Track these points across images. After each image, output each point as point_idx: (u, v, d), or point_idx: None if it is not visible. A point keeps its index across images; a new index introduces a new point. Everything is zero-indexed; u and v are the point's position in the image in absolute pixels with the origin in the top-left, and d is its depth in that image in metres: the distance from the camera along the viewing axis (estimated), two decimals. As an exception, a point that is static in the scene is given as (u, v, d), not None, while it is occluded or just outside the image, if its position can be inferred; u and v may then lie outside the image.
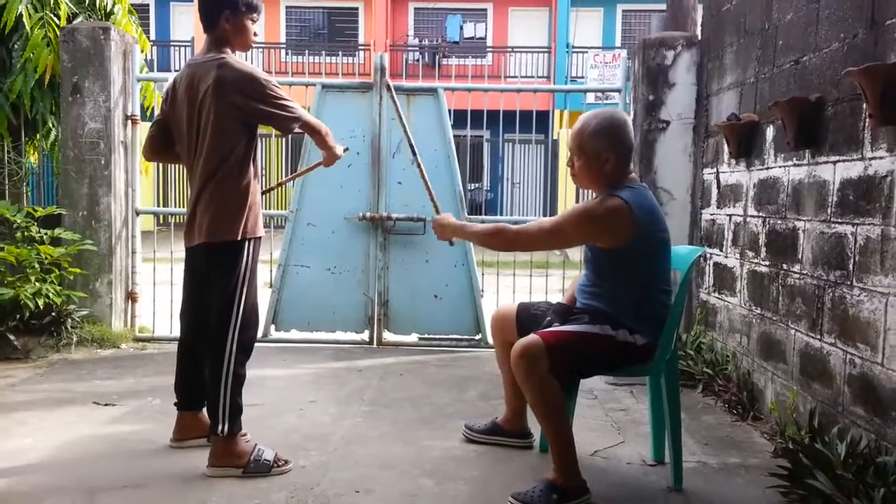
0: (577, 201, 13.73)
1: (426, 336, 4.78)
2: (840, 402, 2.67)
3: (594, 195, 2.56)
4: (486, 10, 18.62)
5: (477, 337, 4.72)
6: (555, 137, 14.21)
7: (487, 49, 18.09)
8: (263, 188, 2.85)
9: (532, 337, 2.38)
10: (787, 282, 3.13)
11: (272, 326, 4.73)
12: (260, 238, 2.68)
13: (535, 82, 15.30)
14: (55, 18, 4.58)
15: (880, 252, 2.47)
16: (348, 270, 4.71)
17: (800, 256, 3.03)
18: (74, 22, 4.69)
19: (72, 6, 4.74)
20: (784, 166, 3.21)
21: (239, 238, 2.58)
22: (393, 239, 4.71)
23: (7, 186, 4.77)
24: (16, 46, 4.57)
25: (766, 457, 2.87)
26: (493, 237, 2.59)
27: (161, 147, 2.83)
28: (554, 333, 2.41)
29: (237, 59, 2.63)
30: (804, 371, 2.96)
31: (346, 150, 2.94)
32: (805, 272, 2.98)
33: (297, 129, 2.71)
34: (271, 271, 4.79)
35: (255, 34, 2.71)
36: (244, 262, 2.60)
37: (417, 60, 17.22)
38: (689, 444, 2.95)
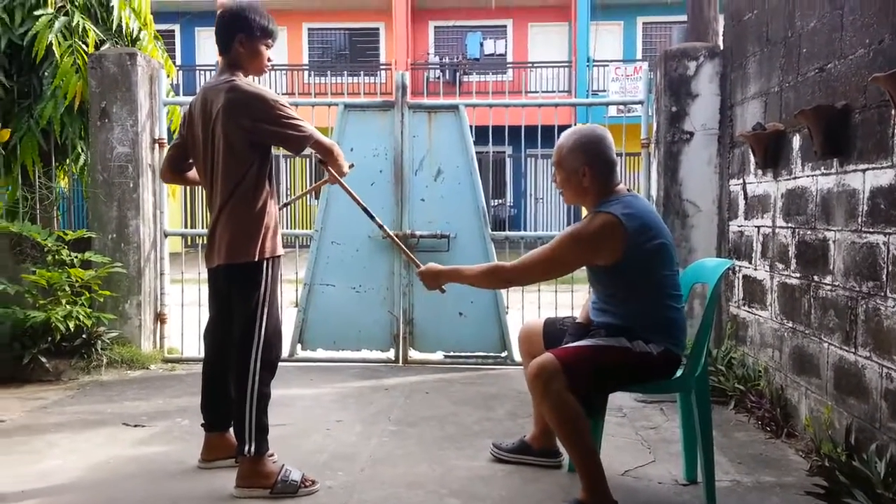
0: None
1: (452, 354, 4.76)
2: (877, 418, 2.60)
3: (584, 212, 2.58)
4: (505, 26, 18.70)
5: (503, 354, 4.69)
6: (577, 151, 14.16)
7: (508, 65, 18.15)
8: (280, 205, 2.85)
9: (546, 356, 2.36)
10: (819, 294, 3.07)
11: (298, 345, 4.75)
12: (279, 257, 2.69)
13: (556, 97, 15.32)
14: (83, 46, 4.68)
15: (915, 262, 2.40)
16: (373, 288, 4.71)
17: (831, 267, 2.97)
18: (102, 49, 4.79)
19: (99, 33, 4.85)
20: (812, 175, 3.16)
21: (256, 259, 2.59)
22: (417, 256, 4.69)
23: (38, 211, 4.87)
24: (46, 74, 4.68)
25: (801, 475, 2.80)
26: (489, 276, 2.58)
27: (178, 169, 2.86)
28: (567, 350, 2.40)
29: (248, 81, 2.65)
30: (839, 386, 2.89)
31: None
32: (837, 283, 2.92)
33: (307, 149, 2.70)
34: (297, 290, 4.81)
35: (269, 59, 2.73)
36: (264, 283, 2.61)
37: (438, 78, 17.32)
38: (722, 463, 2.88)
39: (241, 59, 2.67)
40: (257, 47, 2.67)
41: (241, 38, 2.64)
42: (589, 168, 2.48)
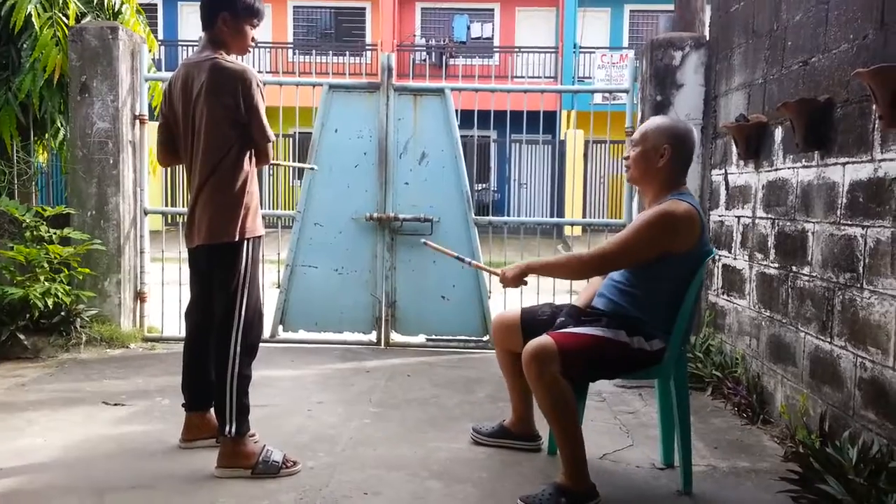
0: (585, 202, 13.74)
1: (433, 337, 4.78)
2: (851, 406, 2.66)
3: (645, 199, 2.59)
4: (492, 10, 18.60)
5: (485, 338, 4.71)
6: (562, 138, 14.20)
7: (494, 49, 18.08)
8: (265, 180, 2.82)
9: (545, 338, 2.37)
10: (797, 284, 3.12)
11: (280, 326, 4.74)
12: (260, 238, 2.67)
13: (542, 82, 15.32)
14: (64, 18, 4.59)
15: (891, 254, 2.45)
16: (355, 271, 4.71)
17: (809, 258, 3.01)
18: (83, 21, 4.70)
19: (80, 6, 4.75)
20: (793, 167, 3.20)
21: (237, 239, 2.57)
22: (400, 239, 4.71)
23: (16, 186, 4.79)
24: (25, 46, 4.58)
25: (776, 461, 2.86)
26: (565, 266, 2.56)
27: (173, 150, 2.77)
28: (567, 336, 2.40)
29: (230, 59, 2.59)
30: (814, 374, 2.94)
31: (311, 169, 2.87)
32: (815, 274, 2.96)
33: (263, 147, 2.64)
34: (279, 271, 4.80)
35: (253, 39, 2.67)
36: (244, 263, 2.59)
37: (424, 60, 17.23)
38: (699, 448, 2.93)
39: (223, 37, 2.61)
40: (241, 26, 2.61)
41: (225, 17, 2.58)
42: (670, 149, 2.49)
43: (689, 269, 2.46)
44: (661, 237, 2.40)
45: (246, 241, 2.60)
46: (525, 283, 2.64)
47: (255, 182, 2.67)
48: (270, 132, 2.61)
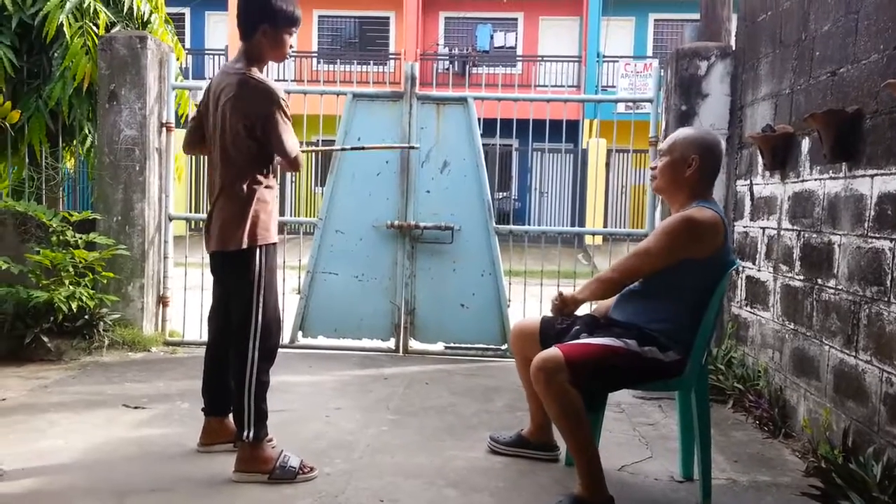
0: (606, 212, 13.66)
1: (452, 345, 4.77)
2: (875, 422, 2.60)
3: (672, 209, 2.58)
4: (516, 19, 18.63)
5: (503, 347, 4.69)
6: (584, 147, 14.15)
7: (517, 58, 18.08)
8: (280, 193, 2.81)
9: (552, 350, 2.37)
10: (822, 297, 3.07)
11: (299, 332, 4.76)
12: (274, 245, 2.67)
13: (565, 91, 15.29)
14: (94, 27, 4.68)
15: (920, 268, 2.40)
16: (375, 278, 4.72)
17: (835, 271, 2.96)
18: (112, 31, 4.78)
19: (110, 15, 4.84)
20: (820, 179, 3.15)
21: (245, 246, 2.57)
22: (420, 247, 4.71)
23: (44, 191, 4.88)
24: (56, 55, 4.68)
25: (797, 476, 2.81)
26: (600, 286, 2.53)
27: (198, 139, 2.81)
28: (574, 346, 2.40)
29: (260, 76, 2.60)
30: (838, 388, 2.89)
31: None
32: (840, 287, 2.91)
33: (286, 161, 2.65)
34: (299, 277, 4.82)
35: (291, 46, 2.69)
36: (258, 270, 2.59)
37: (447, 69, 17.28)
38: (719, 461, 2.89)
39: (262, 49, 2.63)
40: (281, 36, 2.63)
41: (266, 29, 2.59)
42: (699, 159, 2.49)
43: (710, 278, 2.44)
44: (684, 242, 2.39)
45: (258, 249, 2.60)
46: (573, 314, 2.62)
47: (272, 192, 2.67)
48: (292, 146, 2.60)
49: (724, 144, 4.25)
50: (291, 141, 2.61)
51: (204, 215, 2.98)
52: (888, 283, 2.58)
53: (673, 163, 2.53)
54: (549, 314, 2.68)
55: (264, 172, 2.64)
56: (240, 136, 2.56)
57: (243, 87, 2.54)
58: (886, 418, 2.54)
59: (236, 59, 2.67)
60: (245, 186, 2.58)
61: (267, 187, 2.65)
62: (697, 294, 2.44)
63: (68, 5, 4.55)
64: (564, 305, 2.57)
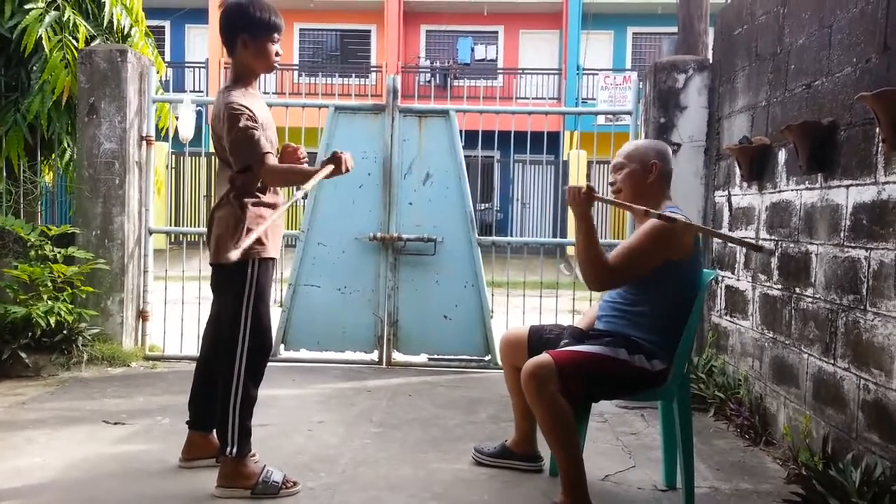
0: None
1: (435, 357, 4.77)
2: (854, 429, 2.64)
3: (637, 217, 2.60)
4: (497, 32, 18.78)
5: (486, 358, 4.70)
6: (565, 158, 14.25)
7: (498, 71, 18.21)
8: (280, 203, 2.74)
9: (544, 357, 2.37)
10: (800, 306, 3.11)
11: (282, 345, 4.73)
12: (269, 261, 2.63)
13: (545, 104, 15.38)
14: (73, 41, 4.65)
15: (894, 277, 2.45)
16: (358, 290, 4.71)
17: (812, 280, 3.01)
18: (92, 44, 4.76)
19: (90, 29, 4.82)
20: (796, 189, 3.21)
21: (234, 259, 2.55)
22: (403, 259, 4.72)
23: (22, 205, 4.82)
24: (34, 68, 4.64)
25: (778, 483, 2.83)
26: (595, 260, 2.42)
27: None
28: (566, 354, 2.40)
29: (239, 91, 2.58)
30: (817, 396, 2.93)
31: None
32: (818, 296, 2.96)
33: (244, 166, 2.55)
34: (281, 290, 4.80)
35: (277, 54, 2.65)
36: (248, 285, 2.56)
37: (429, 82, 17.35)
38: (701, 470, 2.91)
39: (247, 61, 2.61)
40: (263, 45, 2.59)
41: (245, 39, 2.57)
42: (659, 164, 2.57)
43: (689, 283, 2.48)
44: (663, 244, 2.42)
45: (250, 263, 2.56)
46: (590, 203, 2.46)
47: (271, 207, 2.63)
48: (254, 154, 2.49)
49: (701, 155, 4.33)
50: (247, 154, 2.50)
51: (185, 228, 2.96)
52: (864, 291, 2.62)
53: (633, 172, 2.59)
54: (537, 324, 2.68)
55: (259, 187, 2.62)
56: (225, 153, 2.57)
57: (216, 104, 2.60)
58: (864, 425, 2.58)
59: (227, 77, 2.71)
60: (238, 201, 2.57)
61: (263, 203, 2.61)
62: (679, 301, 2.47)
63: (47, 19, 4.52)
64: (579, 194, 2.42)
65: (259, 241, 2.58)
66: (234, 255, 2.32)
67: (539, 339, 2.71)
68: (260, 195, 2.62)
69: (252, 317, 2.57)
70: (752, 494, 2.72)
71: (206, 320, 2.85)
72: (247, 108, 2.52)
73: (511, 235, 13.09)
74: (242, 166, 2.53)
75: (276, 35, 2.63)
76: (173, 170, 12.53)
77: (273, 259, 2.68)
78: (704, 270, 2.66)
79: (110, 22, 4.91)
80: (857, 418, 2.63)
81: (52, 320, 4.14)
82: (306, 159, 2.87)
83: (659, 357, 2.44)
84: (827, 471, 2.46)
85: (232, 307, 2.58)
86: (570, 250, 12.30)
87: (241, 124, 2.48)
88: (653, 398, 2.67)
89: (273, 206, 2.65)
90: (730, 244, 3.93)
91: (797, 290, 3.14)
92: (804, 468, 2.69)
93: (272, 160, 2.53)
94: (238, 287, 2.57)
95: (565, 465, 2.36)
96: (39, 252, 4.36)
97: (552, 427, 2.34)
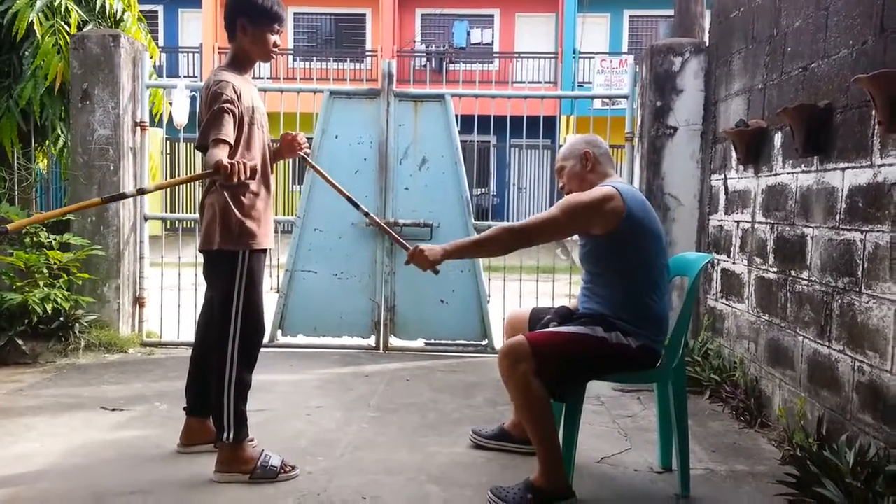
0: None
1: (432, 341, 4.78)
2: (848, 410, 2.66)
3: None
4: (492, 15, 18.65)
5: (483, 342, 4.71)
6: (561, 143, 14.21)
7: (494, 55, 18.11)
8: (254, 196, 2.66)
9: (518, 338, 2.40)
10: (796, 288, 3.12)
11: (279, 331, 4.74)
12: (259, 251, 2.62)
13: (541, 88, 15.35)
14: (66, 26, 4.61)
15: (889, 259, 2.45)
16: (355, 276, 4.72)
17: (808, 263, 3.02)
18: (85, 29, 4.72)
19: (82, 14, 4.77)
20: (792, 172, 3.21)
21: (218, 248, 2.54)
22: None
23: (17, 192, 4.80)
24: (26, 54, 4.61)
25: (773, 464, 2.85)
26: (492, 240, 2.47)
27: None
28: (540, 334, 2.44)
29: (228, 74, 2.56)
30: (812, 378, 2.94)
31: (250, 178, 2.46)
32: (813, 279, 2.97)
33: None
34: (278, 276, 4.80)
35: (275, 45, 2.65)
36: (238, 274, 2.55)
37: (424, 66, 17.26)
38: (697, 451, 2.93)
39: (244, 46, 2.62)
40: (261, 33, 2.60)
41: (244, 24, 2.58)
42: (590, 152, 2.64)
43: (630, 253, 2.46)
44: (578, 216, 2.45)
45: (239, 253, 2.55)
46: (436, 272, 2.57)
47: (257, 196, 2.62)
48: (209, 136, 2.41)
49: (697, 138, 4.32)
50: (207, 133, 2.44)
51: (181, 215, 2.94)
52: (859, 273, 2.63)
53: (573, 168, 2.67)
54: (539, 306, 2.70)
55: (263, 178, 2.61)
56: None
57: (207, 80, 2.58)
58: (858, 406, 2.60)
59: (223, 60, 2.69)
60: (223, 189, 2.55)
61: (250, 192, 2.59)
62: (630, 270, 2.47)
63: (39, 4, 4.48)
64: (421, 260, 2.51)
65: (250, 233, 2.57)
66: (220, 243, 2.28)
67: (539, 320, 2.73)
68: (246, 183, 2.58)
69: (244, 304, 2.58)
70: (748, 476, 2.74)
71: (201, 307, 2.85)
72: (234, 89, 2.50)
73: (508, 220, 13.08)
74: (199, 143, 2.53)
75: (275, 25, 2.63)
76: (168, 156, 12.48)
77: (265, 249, 2.67)
78: (698, 254, 2.66)
79: (102, 6, 4.87)
80: (851, 400, 2.65)
81: (49, 307, 4.13)
82: (306, 145, 2.87)
83: (636, 334, 2.44)
84: (821, 452, 2.48)
85: (223, 294, 2.58)
86: (567, 235, 12.36)
87: (217, 105, 2.45)
88: (648, 380, 2.68)
89: (257, 194, 2.62)
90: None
91: (793, 272, 3.15)
92: (799, 449, 2.71)
93: (219, 151, 2.40)
94: (229, 276, 2.57)
95: (538, 442, 2.37)
96: (35, 239, 4.35)
97: (524, 406, 2.36)
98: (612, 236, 2.45)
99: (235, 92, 2.51)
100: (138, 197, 4.77)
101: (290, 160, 10.88)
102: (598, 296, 2.53)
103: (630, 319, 2.45)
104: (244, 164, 2.33)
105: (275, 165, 2.84)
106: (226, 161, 2.31)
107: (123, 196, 2.65)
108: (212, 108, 2.46)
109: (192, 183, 2.51)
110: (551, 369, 2.36)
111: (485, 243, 2.50)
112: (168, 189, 12.31)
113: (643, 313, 2.46)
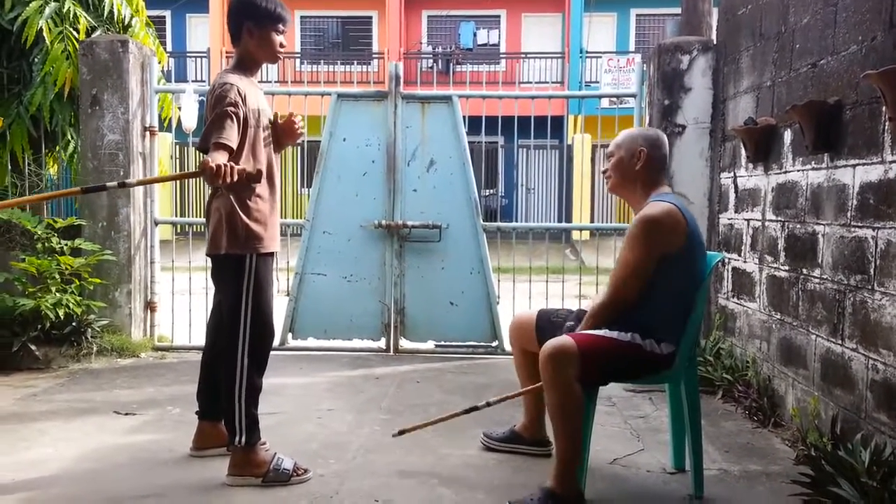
0: (593, 207, 13.71)
1: (442, 343, 4.77)
2: (863, 409, 2.64)
3: (632, 207, 2.61)
4: (499, 16, 18.63)
5: (493, 344, 4.71)
6: (569, 142, 14.20)
7: (501, 55, 18.10)
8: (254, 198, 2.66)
9: (566, 340, 2.34)
10: (807, 286, 3.10)
11: (289, 334, 4.75)
12: (266, 255, 2.62)
13: (549, 88, 15.31)
14: (74, 32, 4.64)
15: (902, 256, 2.43)
16: (364, 278, 4.72)
17: (819, 261, 3.00)
18: (93, 35, 4.75)
19: (91, 20, 4.81)
20: (802, 170, 3.19)
21: (225, 252, 2.55)
22: (408, 246, 4.71)
23: (28, 198, 4.83)
24: (36, 60, 4.64)
25: (787, 464, 2.84)
26: (599, 315, 2.45)
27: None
28: (587, 337, 2.38)
29: (234, 76, 2.57)
30: (825, 377, 2.92)
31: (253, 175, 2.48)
32: (825, 277, 2.95)
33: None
34: (288, 279, 4.81)
35: (281, 45, 2.66)
36: (246, 278, 2.56)
37: (431, 68, 17.27)
38: (710, 452, 2.92)
39: (250, 49, 2.63)
40: (267, 34, 2.61)
41: (249, 27, 2.59)
42: (646, 151, 2.56)
43: (692, 266, 2.45)
44: (654, 243, 2.39)
45: (247, 257, 2.56)
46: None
47: (263, 199, 2.62)
48: (210, 139, 2.42)
49: (706, 136, 4.30)
50: (208, 135, 2.44)
51: (191, 219, 2.94)
52: (872, 271, 2.61)
53: (621, 160, 2.60)
54: (546, 308, 2.68)
55: (269, 180, 2.62)
56: None
57: (212, 83, 2.58)
58: (873, 405, 2.58)
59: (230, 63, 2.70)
60: (229, 193, 2.55)
61: (255, 195, 2.60)
62: (683, 284, 2.45)
63: (48, 10, 4.51)
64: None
65: (257, 237, 2.58)
66: (228, 248, 2.26)
67: (548, 322, 2.72)
68: (254, 185, 2.59)
69: (252, 307, 2.58)
70: (762, 476, 2.73)
71: (210, 311, 2.86)
72: (239, 91, 2.50)
73: (516, 221, 13.08)
74: (200, 146, 2.53)
75: (280, 25, 2.64)
76: (177, 160, 12.55)
77: (272, 253, 2.67)
78: (710, 253, 2.65)
79: (111, 12, 4.89)
80: (865, 398, 2.63)
81: (61, 312, 4.16)
82: (301, 126, 2.80)
83: (667, 340, 2.43)
84: (836, 451, 2.46)
85: (232, 298, 2.59)
86: (576, 235, 12.31)
87: (221, 108, 2.46)
88: (660, 381, 2.67)
89: (263, 198, 2.63)
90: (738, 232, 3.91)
91: (804, 270, 3.13)
92: (813, 449, 2.69)
93: (218, 154, 2.38)
94: (237, 280, 2.57)
95: (566, 448, 2.34)
96: (46, 244, 4.38)
97: (561, 412, 2.32)
98: (671, 257, 2.40)
99: (240, 94, 2.52)
100: (149, 201, 4.79)
101: (297, 163, 10.90)
102: (638, 305, 2.45)
103: (668, 330, 2.43)
104: (232, 167, 2.31)
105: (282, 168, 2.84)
106: (212, 162, 2.30)
107: (104, 188, 2.65)
108: (215, 111, 2.47)
109: (198, 186, 2.48)
110: (594, 373, 2.34)
111: (597, 319, 2.45)
112: (178, 194, 12.38)
113: (681, 325, 2.45)
